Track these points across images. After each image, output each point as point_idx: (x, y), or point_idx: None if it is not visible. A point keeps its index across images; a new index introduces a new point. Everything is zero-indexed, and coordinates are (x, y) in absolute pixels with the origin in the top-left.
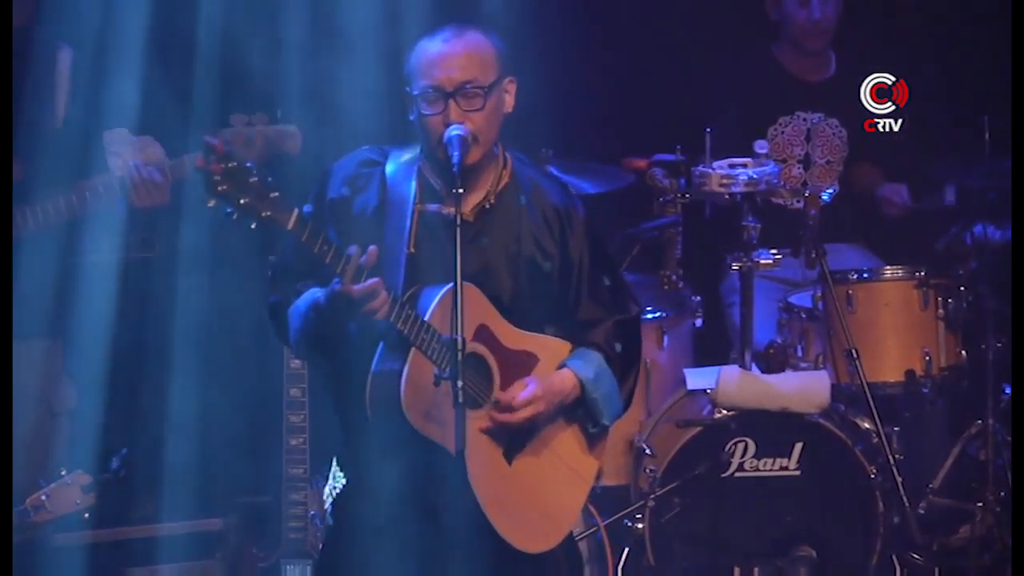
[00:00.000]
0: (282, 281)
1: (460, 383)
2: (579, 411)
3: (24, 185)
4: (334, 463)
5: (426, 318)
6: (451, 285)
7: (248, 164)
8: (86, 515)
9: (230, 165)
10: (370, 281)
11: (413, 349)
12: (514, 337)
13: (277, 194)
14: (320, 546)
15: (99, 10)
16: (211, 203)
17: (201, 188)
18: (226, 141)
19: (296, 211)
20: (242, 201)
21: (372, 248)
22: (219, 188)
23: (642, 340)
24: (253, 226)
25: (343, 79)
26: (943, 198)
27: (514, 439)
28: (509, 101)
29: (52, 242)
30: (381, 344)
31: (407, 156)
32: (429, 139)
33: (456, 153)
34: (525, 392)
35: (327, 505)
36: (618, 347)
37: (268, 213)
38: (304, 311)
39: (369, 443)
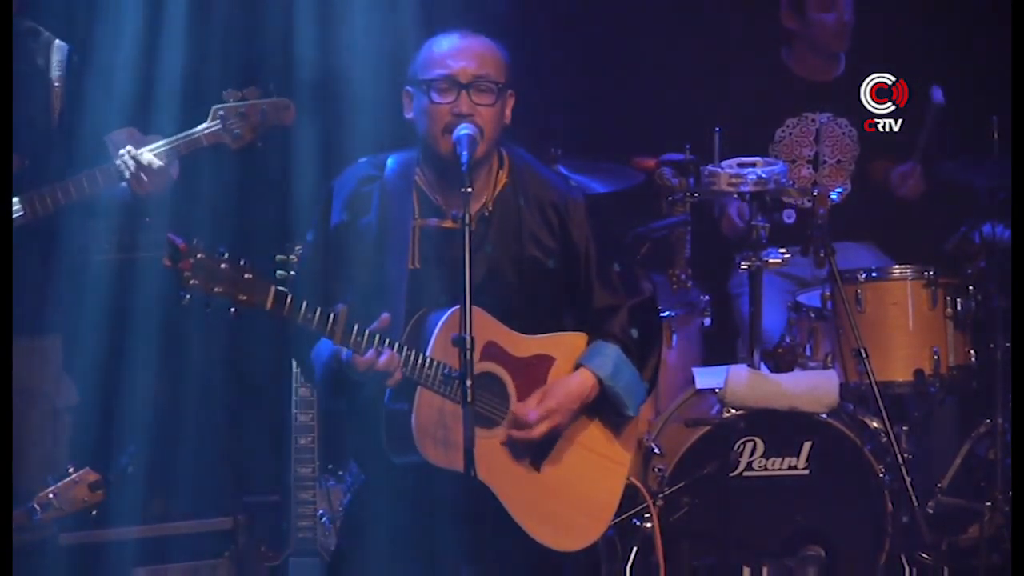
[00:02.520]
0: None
1: (469, 382)
2: (603, 406)
3: (23, 176)
4: (353, 460)
5: (430, 346)
6: (452, 310)
7: (220, 250)
8: (94, 512)
9: (198, 257)
10: (368, 355)
11: (419, 388)
12: (524, 344)
13: (251, 276)
14: (335, 541)
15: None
16: (186, 299)
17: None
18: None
19: (272, 288)
20: (216, 290)
21: (385, 316)
22: (191, 282)
23: (660, 317)
24: (232, 311)
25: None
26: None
27: (540, 445)
28: (507, 113)
29: (55, 237)
30: None
31: (404, 164)
32: (435, 130)
33: (465, 152)
34: (539, 408)
35: (344, 499)
36: (635, 333)
37: (244, 297)
38: (327, 361)
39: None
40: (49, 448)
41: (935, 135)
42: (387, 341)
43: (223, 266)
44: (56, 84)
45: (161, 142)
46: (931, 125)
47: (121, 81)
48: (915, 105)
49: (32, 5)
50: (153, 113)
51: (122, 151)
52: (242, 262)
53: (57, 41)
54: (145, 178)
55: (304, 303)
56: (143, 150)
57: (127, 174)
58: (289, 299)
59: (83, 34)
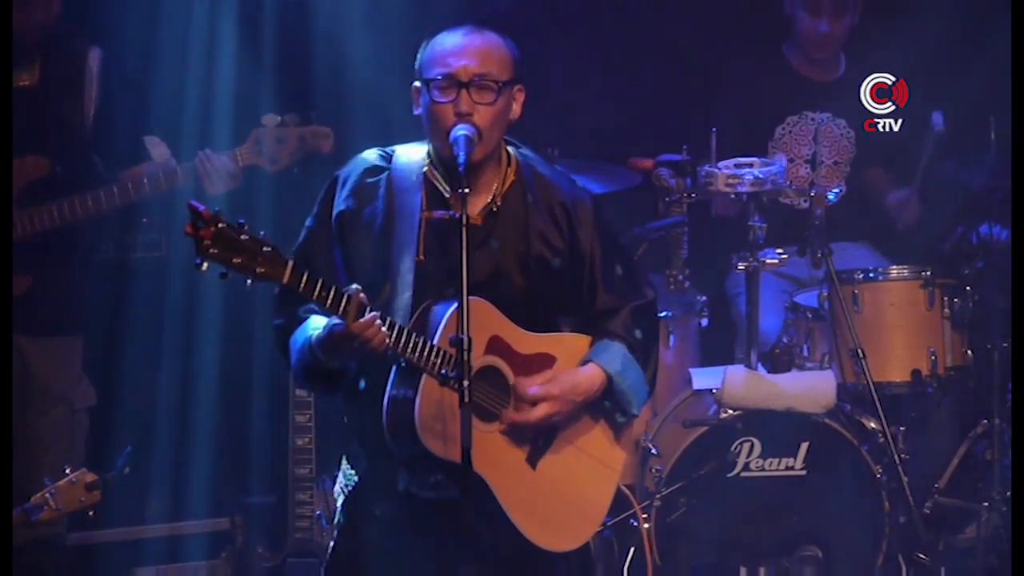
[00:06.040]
0: (286, 304)
1: (466, 382)
2: (607, 404)
3: (52, 181)
4: (344, 461)
5: (436, 338)
6: (459, 303)
7: (240, 221)
8: (90, 513)
9: (219, 227)
10: (369, 315)
11: (424, 376)
12: (528, 342)
13: (270, 249)
14: (331, 544)
15: (130, 9)
16: (204, 267)
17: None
18: (257, 140)
19: (290, 263)
20: (235, 261)
21: (356, 287)
22: (210, 251)
23: (659, 321)
24: (249, 283)
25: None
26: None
27: (536, 442)
28: (516, 109)
29: (74, 239)
30: (394, 368)
31: (414, 158)
32: (437, 129)
33: (462, 153)
34: (539, 387)
35: (338, 502)
36: (638, 334)
37: (262, 270)
38: (300, 347)
39: (381, 447)
40: (66, 448)
41: (934, 160)
42: (397, 326)
43: (243, 237)
44: (91, 89)
45: (239, 148)
46: (931, 151)
47: (154, 88)
48: (915, 106)
49: (71, 11)
50: (187, 124)
51: (200, 153)
52: (262, 234)
53: (93, 47)
54: (220, 180)
55: (320, 280)
56: (219, 154)
57: (201, 173)
58: (306, 275)
59: (120, 40)
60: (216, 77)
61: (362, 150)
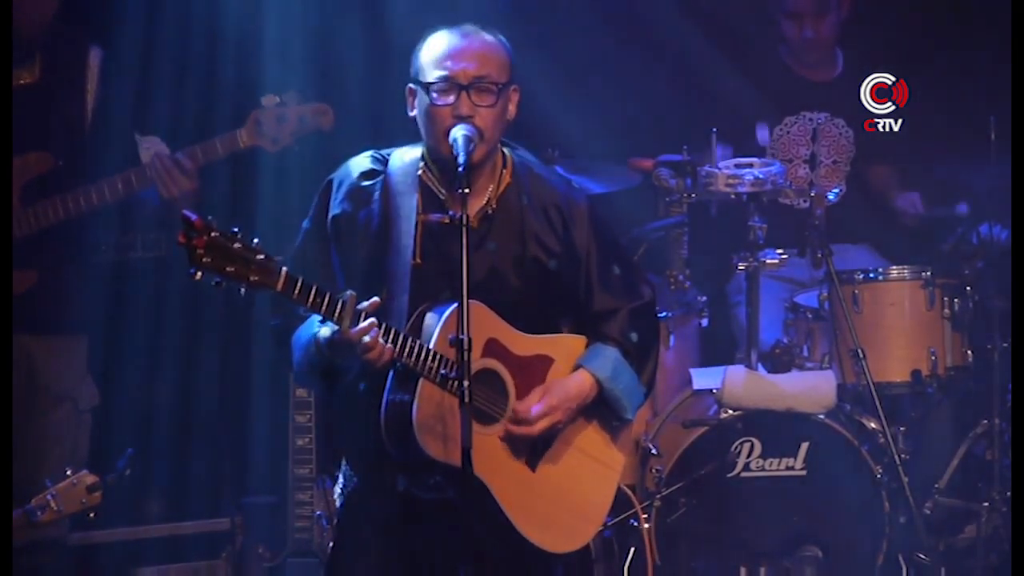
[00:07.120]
0: (283, 303)
1: (467, 383)
2: (601, 408)
3: (56, 176)
4: (344, 461)
5: (432, 342)
6: (454, 306)
7: (233, 229)
8: (92, 515)
9: (212, 236)
10: (365, 323)
11: (422, 380)
12: (525, 343)
13: (263, 257)
14: (331, 544)
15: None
16: (197, 276)
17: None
18: (257, 122)
19: (284, 271)
20: (228, 269)
21: (375, 299)
22: (203, 260)
23: (659, 321)
24: (243, 291)
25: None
26: (955, 206)
27: (536, 445)
28: (512, 109)
29: (80, 237)
30: (391, 373)
31: (409, 160)
32: (435, 131)
33: (462, 153)
34: (540, 405)
35: (338, 503)
36: (634, 337)
37: (256, 278)
38: (305, 344)
39: (381, 449)
40: (70, 447)
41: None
42: (392, 331)
43: (236, 246)
44: (92, 87)
45: (197, 146)
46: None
47: (155, 84)
48: (915, 104)
49: (71, 9)
50: (187, 117)
51: (152, 153)
52: (255, 242)
53: (94, 45)
54: (172, 181)
55: (314, 288)
56: (174, 153)
57: (154, 175)
58: (299, 282)
59: (119, 36)
60: (215, 65)
61: (354, 143)
